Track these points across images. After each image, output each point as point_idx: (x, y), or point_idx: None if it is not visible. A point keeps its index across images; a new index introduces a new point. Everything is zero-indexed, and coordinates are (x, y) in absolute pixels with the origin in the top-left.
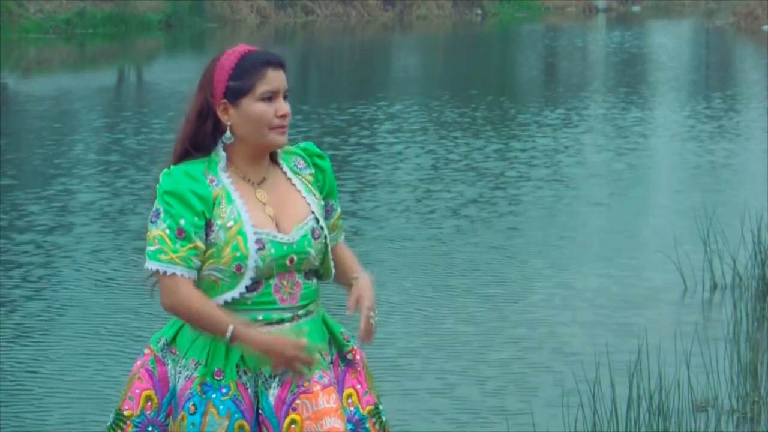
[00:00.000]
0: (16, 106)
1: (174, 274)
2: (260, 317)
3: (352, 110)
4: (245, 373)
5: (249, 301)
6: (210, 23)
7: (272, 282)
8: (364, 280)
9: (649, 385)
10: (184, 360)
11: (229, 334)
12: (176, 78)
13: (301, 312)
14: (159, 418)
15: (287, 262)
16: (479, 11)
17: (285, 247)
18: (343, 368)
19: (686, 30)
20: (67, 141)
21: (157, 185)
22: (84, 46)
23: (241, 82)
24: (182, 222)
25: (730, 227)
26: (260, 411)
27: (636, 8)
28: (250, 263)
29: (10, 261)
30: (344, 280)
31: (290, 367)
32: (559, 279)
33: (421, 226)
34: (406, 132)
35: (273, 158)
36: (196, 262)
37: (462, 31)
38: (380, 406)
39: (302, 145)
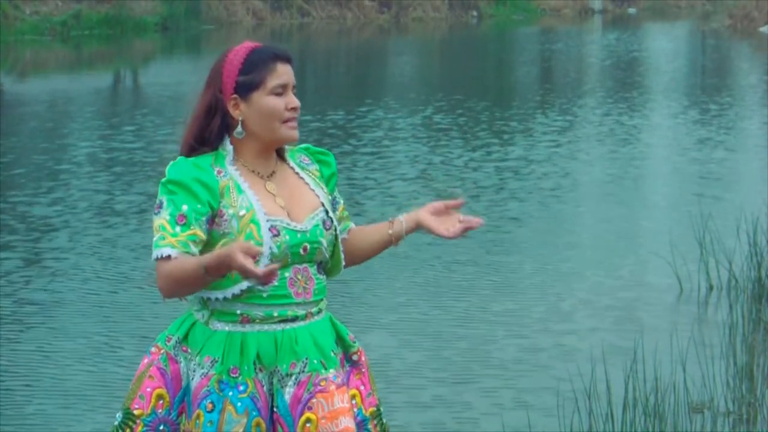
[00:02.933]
0: (12, 108)
1: (169, 256)
2: (276, 313)
3: (343, 114)
4: (260, 370)
5: (264, 294)
6: (206, 25)
7: (287, 275)
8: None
9: (645, 387)
10: (198, 358)
11: (203, 271)
12: (172, 80)
13: (314, 309)
14: (171, 416)
15: (301, 251)
16: (475, 13)
17: (299, 235)
18: (348, 369)
19: (682, 32)
20: (62, 143)
21: (162, 178)
22: (80, 48)
23: (251, 76)
24: (184, 208)
25: (725, 229)
26: (275, 409)
27: (632, 10)
28: (265, 250)
29: (4, 262)
30: (377, 236)
31: (242, 271)
32: (554, 281)
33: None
34: (397, 138)
35: (280, 154)
36: (194, 248)
37: (458, 34)
38: (381, 409)
39: (303, 146)
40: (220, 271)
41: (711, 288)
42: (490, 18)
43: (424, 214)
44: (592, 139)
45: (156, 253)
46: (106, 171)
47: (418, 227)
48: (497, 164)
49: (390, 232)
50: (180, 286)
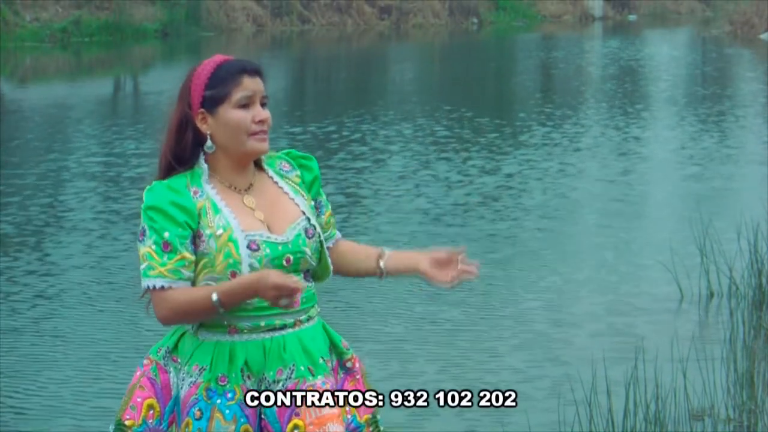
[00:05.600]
0: (12, 114)
1: (162, 287)
2: (263, 323)
3: (338, 123)
4: (249, 378)
5: (250, 307)
6: (206, 32)
7: None
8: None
9: (646, 394)
10: (186, 367)
11: (216, 302)
12: (172, 87)
13: (303, 317)
14: (161, 426)
15: (284, 263)
16: (475, 20)
17: (280, 248)
18: (342, 376)
19: (683, 39)
20: (62, 149)
21: (142, 203)
22: (80, 55)
23: (217, 90)
24: (167, 235)
25: (726, 236)
26: (263, 416)
27: (632, 17)
28: (244, 268)
29: (3, 271)
30: (366, 265)
31: (277, 302)
32: (555, 288)
33: (408, 236)
34: (391, 150)
35: (258, 164)
36: (186, 273)
37: (458, 40)
38: (378, 416)
39: (285, 151)
40: (238, 298)
41: (711, 294)
42: (491, 24)
43: (425, 264)
44: (591, 148)
45: (147, 283)
46: (106, 178)
47: (415, 272)
48: (496, 173)
49: (381, 266)
50: (186, 317)
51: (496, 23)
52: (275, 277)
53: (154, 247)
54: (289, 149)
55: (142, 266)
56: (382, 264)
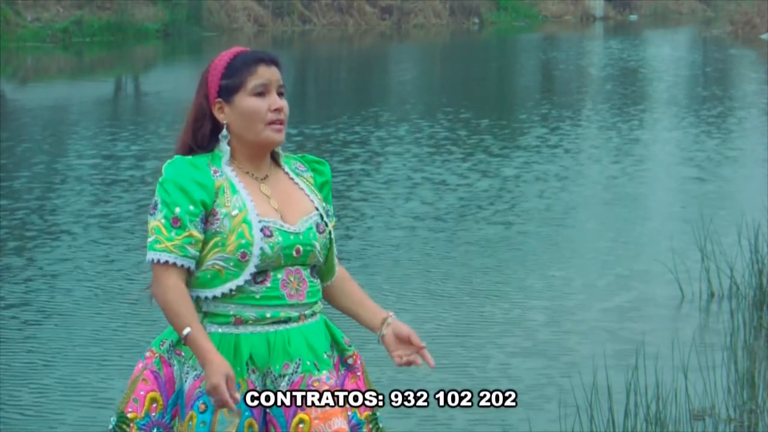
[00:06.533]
0: (13, 114)
1: (166, 261)
2: (268, 314)
3: (335, 124)
4: (253, 371)
5: (257, 296)
6: (207, 32)
7: (280, 276)
8: (397, 322)
9: (647, 394)
10: (191, 360)
11: (184, 334)
12: (173, 87)
13: (307, 312)
14: (164, 419)
15: (294, 253)
16: (477, 20)
17: (291, 237)
18: (343, 372)
19: (684, 39)
20: (63, 150)
21: (160, 177)
22: (81, 55)
23: (233, 80)
24: (177, 210)
25: (727, 237)
26: (268, 410)
27: (633, 17)
28: (255, 250)
29: (3, 268)
30: (354, 310)
31: (211, 393)
32: (556, 288)
33: (409, 237)
34: (389, 151)
35: (275, 160)
36: (192, 251)
37: (459, 40)
38: (377, 413)
39: (299, 154)
40: (196, 351)
41: (712, 295)
42: (492, 24)
43: (390, 332)
44: (591, 149)
45: (152, 256)
46: (106, 178)
47: (389, 336)
48: (496, 175)
49: (383, 332)
50: (164, 313)
51: (497, 23)
52: (222, 383)
53: (163, 221)
54: (304, 154)
55: (150, 239)
56: (383, 331)
